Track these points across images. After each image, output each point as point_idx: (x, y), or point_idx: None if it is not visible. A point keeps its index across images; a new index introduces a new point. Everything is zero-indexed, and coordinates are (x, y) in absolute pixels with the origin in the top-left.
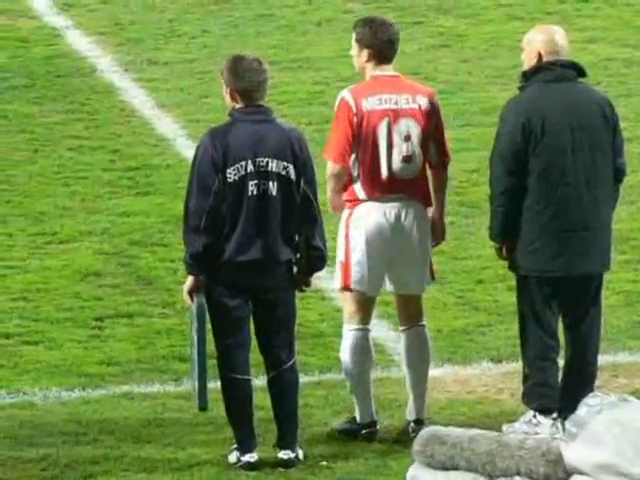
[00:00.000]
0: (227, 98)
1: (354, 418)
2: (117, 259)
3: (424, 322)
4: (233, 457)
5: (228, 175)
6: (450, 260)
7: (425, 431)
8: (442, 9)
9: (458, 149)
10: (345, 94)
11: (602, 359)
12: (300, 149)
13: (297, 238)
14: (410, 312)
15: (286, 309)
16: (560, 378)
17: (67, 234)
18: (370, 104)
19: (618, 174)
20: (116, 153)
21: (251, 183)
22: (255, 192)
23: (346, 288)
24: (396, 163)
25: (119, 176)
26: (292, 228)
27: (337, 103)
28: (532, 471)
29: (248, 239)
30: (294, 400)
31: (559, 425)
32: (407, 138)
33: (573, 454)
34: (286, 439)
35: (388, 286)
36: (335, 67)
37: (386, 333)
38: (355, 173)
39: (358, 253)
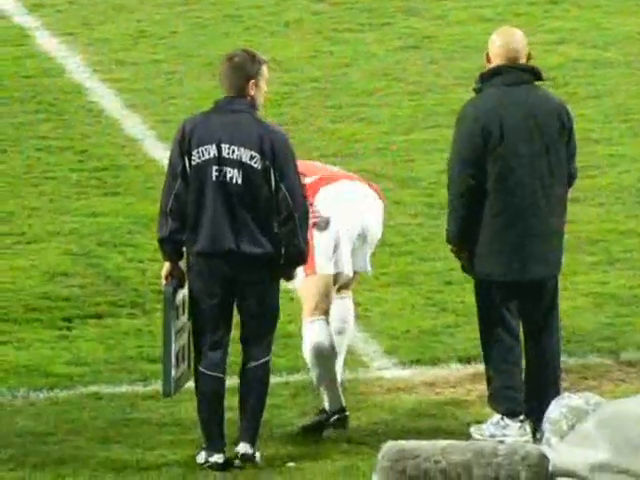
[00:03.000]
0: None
1: (323, 409)
2: (85, 259)
3: (350, 293)
4: (201, 457)
5: (192, 158)
6: (418, 261)
7: (390, 447)
8: (410, 10)
9: (427, 150)
10: None
11: (570, 361)
12: (272, 144)
13: (278, 232)
14: (345, 286)
15: (264, 306)
16: (525, 380)
17: (35, 234)
18: None
19: (570, 179)
20: (84, 153)
21: (215, 168)
22: (220, 178)
23: (311, 272)
24: None
25: (87, 176)
26: (264, 221)
27: None
28: (512, 477)
29: (218, 228)
30: (259, 398)
31: (527, 427)
32: None
33: (562, 457)
34: (246, 434)
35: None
36: (303, 68)
37: (354, 335)
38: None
39: (328, 236)
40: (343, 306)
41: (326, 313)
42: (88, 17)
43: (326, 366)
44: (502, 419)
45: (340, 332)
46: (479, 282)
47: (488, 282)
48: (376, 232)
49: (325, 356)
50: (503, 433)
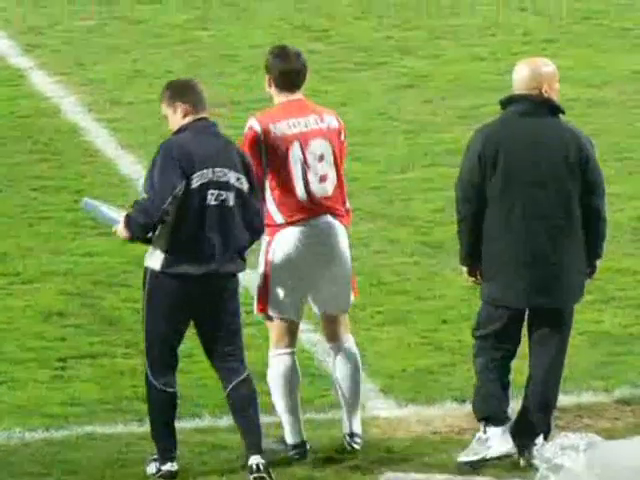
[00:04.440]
0: (175, 116)
1: (283, 439)
2: (80, 299)
3: (350, 336)
4: (152, 468)
5: (191, 182)
6: (414, 300)
7: (388, 477)
8: (406, 50)
9: (423, 189)
10: (252, 121)
11: (566, 399)
12: (249, 163)
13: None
14: (338, 329)
15: (238, 317)
16: (520, 405)
17: (30, 274)
18: (279, 129)
19: (591, 212)
20: (80, 193)
21: (210, 192)
22: (213, 202)
23: (263, 312)
24: (314, 184)
25: (82, 216)
26: (246, 240)
27: (245, 130)
28: None
29: (210, 251)
30: (257, 408)
31: (509, 438)
32: (321, 158)
33: None
34: (256, 447)
35: (313, 307)
36: None
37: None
38: (270, 199)
39: (278, 281)
40: (343, 359)
41: (290, 345)
42: (83, 57)
43: (287, 399)
44: (484, 432)
45: (344, 388)
46: (484, 304)
47: (491, 305)
48: (341, 272)
49: (286, 389)
50: (486, 446)
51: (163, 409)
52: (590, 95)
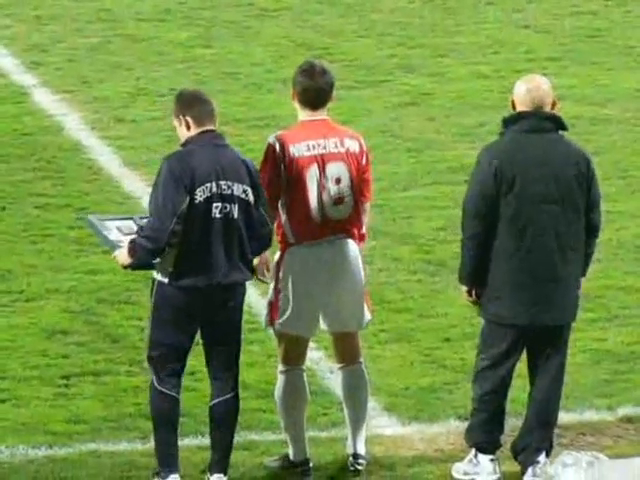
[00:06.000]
0: (182, 128)
1: (287, 455)
2: (84, 317)
3: (361, 359)
4: None
5: (195, 196)
6: (417, 318)
7: None
8: (408, 67)
9: (426, 207)
10: (272, 140)
11: (569, 417)
12: (256, 173)
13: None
14: (347, 350)
15: (237, 332)
16: (522, 423)
17: (34, 292)
18: (298, 150)
19: (591, 229)
20: (83, 211)
21: (215, 205)
22: (218, 215)
23: (271, 326)
24: (328, 206)
25: (86, 234)
26: (252, 251)
27: (265, 148)
28: None
29: (215, 263)
30: (234, 429)
31: (497, 467)
32: (337, 181)
33: None
34: (221, 465)
35: (323, 325)
36: None
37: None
38: (283, 217)
39: (288, 297)
40: (352, 381)
41: (299, 362)
42: (87, 75)
43: (292, 416)
44: (475, 457)
45: (350, 410)
46: (487, 322)
47: (496, 324)
48: (352, 292)
49: (294, 406)
50: (474, 471)
51: (167, 415)
52: (593, 113)
